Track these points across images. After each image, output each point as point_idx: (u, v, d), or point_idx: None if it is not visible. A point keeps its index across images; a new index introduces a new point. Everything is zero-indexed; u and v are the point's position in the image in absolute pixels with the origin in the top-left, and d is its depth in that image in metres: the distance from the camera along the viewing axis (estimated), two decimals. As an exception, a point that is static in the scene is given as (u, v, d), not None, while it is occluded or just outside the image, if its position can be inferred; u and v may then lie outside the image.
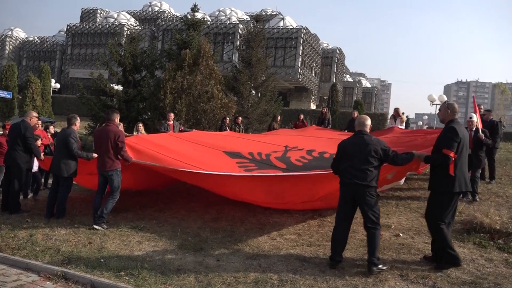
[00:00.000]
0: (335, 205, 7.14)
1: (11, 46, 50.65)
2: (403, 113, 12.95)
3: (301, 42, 37.22)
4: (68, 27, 47.16)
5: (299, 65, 37.00)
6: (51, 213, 6.66)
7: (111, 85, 16.94)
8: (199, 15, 19.60)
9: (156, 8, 51.17)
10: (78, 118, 7.03)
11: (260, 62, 18.73)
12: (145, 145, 7.49)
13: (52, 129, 9.72)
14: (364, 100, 48.19)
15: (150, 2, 52.81)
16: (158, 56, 18.59)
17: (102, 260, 4.75)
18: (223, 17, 43.01)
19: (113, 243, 5.41)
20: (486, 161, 8.54)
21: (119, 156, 6.23)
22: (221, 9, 46.58)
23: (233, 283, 4.25)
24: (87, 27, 46.59)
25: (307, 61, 39.30)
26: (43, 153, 7.88)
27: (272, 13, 46.50)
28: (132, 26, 44.14)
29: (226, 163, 7.72)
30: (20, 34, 53.45)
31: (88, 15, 53.09)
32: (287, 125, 17.91)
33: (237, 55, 29.60)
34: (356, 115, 14.35)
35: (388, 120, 17.41)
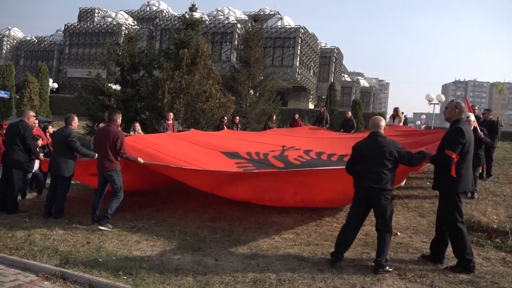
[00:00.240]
0: (334, 205, 7.22)
1: (8, 46, 50.51)
2: (402, 113, 13.01)
3: (299, 42, 37.22)
4: (66, 27, 47.03)
5: (297, 65, 37.00)
6: (49, 213, 6.65)
7: (109, 84, 16.89)
8: (197, 15, 19.57)
9: (154, 8, 51.07)
10: (76, 117, 7.02)
11: (258, 61, 18.72)
12: (144, 144, 7.49)
13: (51, 129, 9.70)
14: (362, 99, 48.19)
15: (148, 2, 52.72)
16: (156, 56, 18.57)
17: (100, 260, 4.75)
18: (221, 17, 42.97)
19: (111, 243, 5.41)
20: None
21: (118, 157, 6.19)
22: (219, 8, 46.55)
23: (231, 282, 4.25)
24: (85, 26, 46.47)
25: (305, 61, 39.30)
26: (42, 154, 7.86)
27: (270, 13, 46.50)
28: (130, 26, 44.05)
29: (224, 163, 7.73)
30: (17, 33, 53.30)
31: (86, 14, 52.98)
32: (285, 125, 17.92)
33: (235, 54, 29.56)
34: (349, 115, 14.41)
35: (387, 120, 17.44)
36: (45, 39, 50.05)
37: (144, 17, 49.84)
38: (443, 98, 27.75)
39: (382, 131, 4.75)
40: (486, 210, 6.29)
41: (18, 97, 24.23)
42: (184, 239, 5.64)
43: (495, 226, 5.78)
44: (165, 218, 6.75)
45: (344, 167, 5.75)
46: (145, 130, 12.33)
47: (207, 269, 4.58)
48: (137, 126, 10.47)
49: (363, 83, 62.95)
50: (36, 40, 50.21)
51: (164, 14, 46.86)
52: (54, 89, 36.39)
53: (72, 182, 9.92)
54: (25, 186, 8.11)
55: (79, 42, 46.22)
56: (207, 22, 35.70)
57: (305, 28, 38.63)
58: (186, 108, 13.28)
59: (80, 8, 53.56)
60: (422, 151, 4.81)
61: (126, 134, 9.21)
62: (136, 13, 50.85)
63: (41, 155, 7.70)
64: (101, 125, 9.46)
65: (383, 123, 4.82)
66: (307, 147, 8.83)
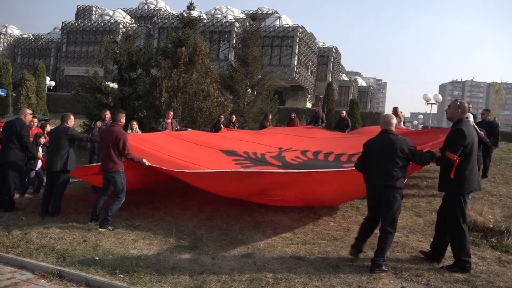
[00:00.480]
0: (332, 203, 7.24)
1: (5, 43, 50.28)
2: (401, 112, 13.04)
3: (297, 41, 37.21)
4: (63, 25, 46.85)
5: (295, 64, 37.00)
6: (45, 211, 6.63)
7: (107, 83, 16.84)
8: (195, 13, 19.51)
9: (152, 6, 50.93)
10: (72, 116, 7.00)
11: (256, 60, 18.69)
12: (143, 144, 7.50)
13: (49, 127, 9.68)
14: (360, 99, 48.25)
15: (146, 0, 52.58)
16: (154, 54, 18.51)
17: (97, 258, 4.75)
18: (219, 16, 42.90)
19: (108, 241, 5.41)
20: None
21: (123, 158, 6.13)
22: (217, 7, 46.48)
23: (228, 281, 4.25)
24: (83, 24, 46.33)
25: (303, 60, 39.31)
26: (41, 153, 7.85)
27: (268, 12, 46.44)
28: (127, 24, 43.92)
29: (222, 160, 7.77)
30: (14, 31, 53.04)
31: (83, 12, 52.78)
32: (283, 124, 17.94)
33: (233, 53, 29.55)
34: (344, 114, 14.46)
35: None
36: (43, 37, 49.86)
37: (142, 16, 49.70)
38: (440, 98, 27.82)
39: (393, 128, 4.74)
40: (482, 209, 6.32)
41: (15, 95, 24.14)
42: (181, 237, 5.64)
43: (491, 226, 5.81)
44: (162, 216, 6.75)
45: (339, 169, 5.79)
46: (143, 128, 12.30)
47: (204, 267, 4.58)
48: (135, 124, 10.45)
49: (361, 82, 63.01)
50: (33, 38, 50.01)
51: (162, 13, 46.75)
52: (51, 87, 36.21)
53: (71, 180, 9.95)
54: (23, 183, 8.09)
55: (77, 40, 46.07)
56: (205, 20, 35.64)
57: (303, 27, 38.62)
58: (184, 106, 13.27)
59: (77, 6, 53.33)
60: (430, 151, 4.82)
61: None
62: (133, 11, 50.71)
63: (40, 153, 7.68)
64: (98, 123, 9.45)
65: (394, 120, 4.80)
66: (304, 147, 8.85)
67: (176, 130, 10.71)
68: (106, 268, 4.48)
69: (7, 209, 6.83)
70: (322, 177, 5.93)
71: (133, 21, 46.87)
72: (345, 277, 4.36)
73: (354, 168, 5.46)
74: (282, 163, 7.93)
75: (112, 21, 45.13)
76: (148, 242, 5.46)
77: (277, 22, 39.58)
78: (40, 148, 7.90)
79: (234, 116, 13.40)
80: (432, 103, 27.39)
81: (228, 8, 46.33)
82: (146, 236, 5.67)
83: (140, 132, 10.55)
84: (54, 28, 52.82)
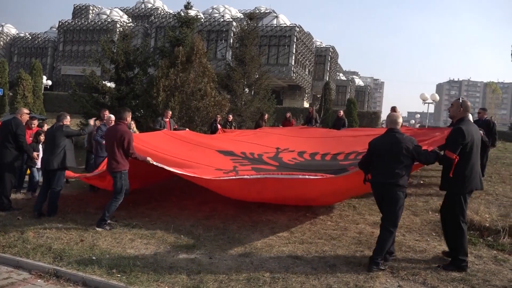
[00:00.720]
0: (329, 202, 7.25)
1: (1, 42, 49.99)
2: (399, 112, 13.05)
3: (295, 40, 37.21)
4: (60, 24, 46.66)
5: (293, 63, 37.00)
6: (39, 211, 6.54)
7: (104, 82, 16.82)
8: (192, 13, 19.49)
9: (149, 5, 50.82)
10: (68, 116, 6.99)
11: (253, 60, 18.70)
12: (142, 144, 7.51)
13: (46, 127, 9.68)
14: (357, 98, 48.32)
15: (143, -1, 52.48)
16: (151, 53, 18.49)
17: (94, 258, 4.74)
18: (216, 15, 42.83)
19: (105, 241, 5.40)
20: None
21: (128, 156, 6.05)
22: (214, 6, 46.41)
23: (225, 280, 4.26)
24: (79, 23, 46.15)
25: (300, 59, 39.32)
26: (37, 153, 7.84)
27: (266, 11, 46.41)
28: (124, 23, 43.81)
29: (220, 160, 7.77)
30: (11, 30, 52.78)
31: (80, 11, 52.60)
32: (280, 123, 17.95)
33: (230, 53, 29.50)
34: (341, 114, 14.48)
35: (385, 119, 17.55)
36: (39, 36, 49.64)
37: (139, 15, 49.59)
38: (437, 97, 27.91)
39: (399, 127, 4.77)
40: (478, 208, 6.35)
41: (11, 94, 24.04)
42: (178, 237, 5.64)
43: (487, 225, 5.84)
44: (160, 216, 6.74)
45: (334, 175, 5.82)
46: (140, 128, 12.30)
47: (201, 267, 4.58)
48: (132, 124, 10.44)
49: (358, 82, 63.03)
50: (30, 37, 49.79)
51: (159, 12, 46.66)
52: (48, 87, 36.10)
53: (71, 180, 9.92)
54: (20, 183, 8.12)
55: (74, 39, 45.89)
56: (202, 20, 35.60)
57: (301, 27, 38.62)
58: (181, 106, 13.26)
59: (74, 5, 53.15)
60: (434, 150, 4.85)
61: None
62: (131, 10, 50.59)
63: (35, 154, 7.67)
64: (97, 122, 9.42)
65: (400, 119, 4.82)
66: (301, 148, 8.88)
67: (174, 129, 10.71)
68: (103, 268, 4.47)
69: (3, 209, 6.81)
70: (324, 183, 5.99)
71: (130, 20, 46.75)
72: (342, 276, 4.37)
73: (349, 172, 5.51)
74: (280, 164, 7.94)
75: (109, 20, 44.98)
76: (146, 241, 5.45)
77: (275, 22, 39.55)
78: (40, 146, 7.91)
79: (230, 116, 13.40)
80: (429, 103, 27.46)
81: (225, 7, 46.28)
82: (144, 236, 5.66)
83: (137, 132, 10.55)
84: (51, 27, 52.61)
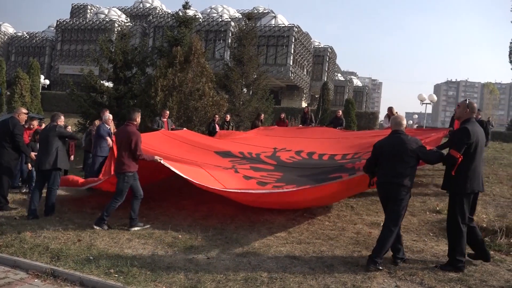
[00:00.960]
0: (327, 203, 7.26)
1: (-1, 42, 49.91)
2: (396, 112, 13.11)
3: (293, 41, 37.22)
4: (58, 23, 46.53)
5: (291, 64, 37.01)
6: (35, 215, 6.45)
7: (102, 81, 16.79)
8: (190, 12, 19.52)
9: (148, 5, 50.74)
10: (62, 116, 6.95)
11: (251, 60, 18.70)
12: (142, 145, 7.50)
13: (44, 126, 9.68)
14: (355, 99, 48.32)
15: (141, -1, 52.39)
16: (149, 53, 18.49)
17: (91, 258, 4.73)
18: (214, 15, 42.81)
19: (103, 241, 5.39)
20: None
21: (135, 158, 5.98)
22: (213, 6, 46.39)
23: (223, 280, 4.26)
24: (77, 23, 46.04)
25: (298, 60, 39.33)
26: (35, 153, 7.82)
27: (264, 11, 46.41)
28: (123, 23, 43.75)
29: (218, 161, 7.78)
30: (8, 29, 52.61)
31: (78, 10, 52.47)
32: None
33: (228, 52, 29.50)
34: (340, 114, 14.51)
35: (382, 119, 17.61)
36: (37, 35, 49.51)
37: (137, 14, 49.52)
38: (435, 98, 27.97)
39: (403, 129, 4.86)
40: (475, 209, 6.34)
41: (9, 93, 23.96)
42: (176, 237, 5.63)
43: (485, 225, 5.85)
44: (157, 216, 6.74)
45: (330, 181, 5.89)
46: (138, 127, 12.26)
47: (198, 267, 4.58)
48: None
49: (356, 82, 63.10)
50: (28, 36, 49.64)
51: (157, 11, 46.60)
52: (46, 86, 36.02)
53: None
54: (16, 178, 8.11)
55: (71, 39, 45.78)
56: (200, 19, 35.58)
57: (299, 27, 38.64)
58: (179, 106, 13.25)
59: (72, 4, 53.01)
60: (439, 151, 4.94)
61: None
62: (129, 10, 50.51)
63: (33, 154, 7.65)
64: (96, 122, 9.41)
65: (404, 121, 4.96)
66: (298, 148, 8.91)
67: (172, 129, 10.70)
68: (100, 268, 4.47)
69: (0, 209, 6.79)
70: (323, 190, 6.06)
71: (128, 19, 46.67)
72: (339, 276, 4.38)
73: (343, 179, 5.73)
74: (277, 162, 7.98)
75: (107, 19, 44.90)
76: (143, 241, 5.45)
77: (273, 22, 39.56)
78: (38, 145, 7.90)
79: (228, 116, 13.40)
80: (427, 103, 27.53)
81: (223, 7, 46.26)
82: (141, 236, 5.66)
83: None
84: (49, 26, 52.46)
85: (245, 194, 6.10)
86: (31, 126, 8.19)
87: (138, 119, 6.26)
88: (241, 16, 40.85)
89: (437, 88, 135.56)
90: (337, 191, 6.31)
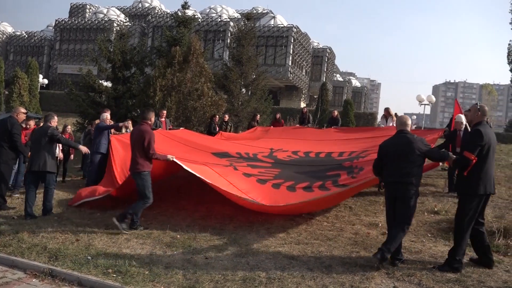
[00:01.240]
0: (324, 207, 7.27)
1: (-3, 41, 49.83)
2: (395, 114, 13.18)
3: (292, 41, 37.26)
4: (57, 22, 46.51)
5: (290, 64, 37.06)
6: (32, 215, 6.44)
7: (100, 81, 16.78)
8: (189, 12, 19.49)
9: (146, 5, 50.73)
10: (56, 116, 6.90)
11: (250, 60, 18.70)
12: None
13: None
14: (354, 99, 48.39)
15: (140, -2, 52.35)
16: (148, 53, 18.47)
17: (89, 258, 4.73)
18: (214, 15, 42.82)
19: (101, 241, 5.38)
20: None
21: (149, 157, 5.93)
22: (212, 6, 46.39)
23: (221, 280, 4.25)
24: (76, 22, 46.01)
25: (297, 60, 39.37)
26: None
27: (263, 12, 46.46)
28: (122, 22, 43.74)
29: (216, 161, 7.78)
30: (7, 28, 52.56)
31: (77, 10, 52.43)
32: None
33: (227, 53, 29.54)
34: (336, 113, 14.54)
35: (379, 120, 17.63)
36: (36, 34, 49.46)
37: (136, 14, 49.51)
38: (434, 98, 27.94)
39: (409, 129, 4.94)
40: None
41: (7, 92, 23.92)
42: (174, 237, 5.63)
43: (482, 226, 5.85)
44: (156, 216, 6.73)
45: (331, 190, 5.95)
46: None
47: (197, 267, 4.58)
48: (129, 123, 10.43)
49: (355, 83, 63.26)
50: (26, 35, 49.58)
51: (156, 11, 46.60)
52: (44, 85, 35.93)
53: (66, 179, 9.89)
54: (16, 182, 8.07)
55: (70, 38, 45.74)
56: (199, 19, 35.59)
57: (298, 27, 38.68)
58: (178, 106, 13.24)
59: (71, 3, 52.98)
60: (445, 151, 5.11)
61: (117, 132, 9.18)
62: (128, 9, 50.49)
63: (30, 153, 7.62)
64: (97, 121, 9.41)
65: (409, 121, 5.02)
66: (295, 148, 8.97)
67: (169, 129, 10.69)
68: (98, 268, 4.46)
69: (-2, 208, 6.78)
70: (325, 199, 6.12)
71: (127, 19, 46.66)
72: (338, 277, 4.38)
73: (348, 187, 5.90)
74: (275, 160, 8.02)
75: (106, 19, 44.88)
76: (141, 241, 5.44)
77: (272, 22, 39.60)
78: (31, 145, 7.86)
79: (226, 116, 13.41)
80: (425, 104, 27.48)
81: (222, 8, 46.27)
82: (139, 236, 5.65)
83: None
84: (47, 26, 52.41)
85: (259, 206, 6.11)
86: (28, 126, 8.16)
87: (153, 118, 6.22)
88: (240, 16, 40.81)
89: (436, 89, 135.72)
90: (339, 197, 6.40)
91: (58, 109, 27.32)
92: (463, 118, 8.10)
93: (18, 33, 50.80)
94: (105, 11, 47.57)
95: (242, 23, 21.55)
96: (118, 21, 43.84)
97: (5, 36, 50.63)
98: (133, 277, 4.27)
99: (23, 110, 7.40)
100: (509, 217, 6.29)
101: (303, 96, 42.21)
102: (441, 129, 10.62)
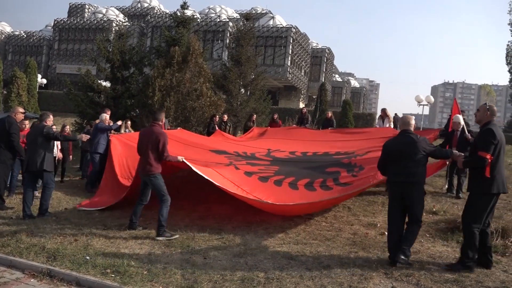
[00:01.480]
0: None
1: (-4, 40, 49.73)
2: (395, 114, 13.23)
3: (291, 41, 37.27)
4: (55, 22, 46.42)
5: (289, 64, 37.06)
6: (31, 215, 6.42)
7: (99, 81, 16.76)
8: (188, 12, 19.47)
9: (146, 5, 50.68)
10: (51, 115, 6.86)
11: (249, 60, 18.72)
12: (135, 142, 7.49)
13: None
14: (353, 100, 48.44)
15: (139, -2, 52.30)
16: (147, 53, 18.45)
17: (88, 258, 4.72)
18: (213, 15, 42.80)
19: (99, 241, 5.38)
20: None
21: (162, 159, 5.84)
22: (211, 6, 46.35)
23: (219, 280, 4.25)
24: (75, 22, 45.94)
25: (296, 60, 39.37)
26: None
27: (262, 12, 46.45)
28: (120, 22, 43.70)
29: (214, 158, 7.82)
30: (5, 28, 52.46)
31: (76, 10, 52.33)
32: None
33: (226, 53, 29.53)
34: (330, 115, 14.61)
35: (376, 121, 17.69)
36: (34, 34, 49.36)
37: (135, 14, 49.45)
38: (432, 99, 27.99)
39: (412, 129, 5.00)
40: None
41: (5, 92, 23.89)
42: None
43: (481, 226, 5.86)
44: (154, 216, 6.71)
45: (329, 196, 6.03)
46: (135, 127, 12.26)
47: (195, 267, 4.58)
48: (128, 123, 10.45)
49: (354, 83, 63.20)
50: (25, 35, 49.48)
51: (155, 11, 46.57)
52: (43, 85, 35.92)
53: (65, 179, 9.87)
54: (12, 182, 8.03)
55: (69, 38, 45.67)
56: (198, 20, 35.56)
57: (297, 28, 38.69)
58: (177, 106, 13.24)
59: (70, 3, 52.87)
60: (448, 149, 5.26)
61: (117, 132, 9.18)
62: (127, 9, 50.42)
63: None
64: (97, 121, 9.41)
65: (412, 121, 5.07)
66: (292, 149, 9.02)
67: (167, 129, 10.70)
68: (97, 268, 4.46)
69: (-3, 208, 6.77)
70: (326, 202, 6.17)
71: (126, 19, 46.60)
72: (336, 277, 4.38)
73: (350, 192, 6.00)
74: (273, 159, 8.06)
75: (105, 19, 44.82)
76: (140, 241, 5.44)
77: (271, 22, 39.59)
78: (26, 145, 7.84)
79: (225, 116, 13.41)
80: (424, 105, 27.52)
81: (222, 8, 46.23)
82: (138, 236, 5.65)
83: (132, 131, 10.53)
84: (46, 26, 52.32)
85: (262, 204, 6.12)
86: (23, 126, 8.11)
87: (164, 119, 6.10)
88: (239, 17, 40.78)
89: (434, 90, 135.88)
90: (344, 198, 6.53)
91: (56, 109, 27.27)
92: (460, 119, 8.13)
93: (17, 33, 50.70)
94: (104, 11, 47.50)
95: (241, 23, 21.56)
96: (117, 21, 43.80)
97: (3, 36, 50.52)
98: (132, 277, 4.27)
99: (21, 110, 7.38)
100: (507, 218, 6.30)
101: (302, 96, 42.21)
102: (437, 129, 10.67)
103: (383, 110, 12.70)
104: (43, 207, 6.54)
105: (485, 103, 4.95)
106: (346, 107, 25.05)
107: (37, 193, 7.92)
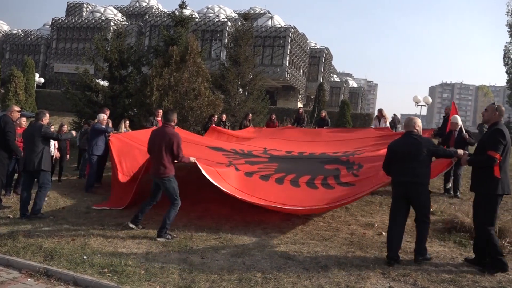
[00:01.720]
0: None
1: (-7, 39, 49.57)
2: (394, 114, 13.27)
3: (289, 41, 37.28)
4: (53, 21, 46.31)
5: (287, 64, 37.07)
6: (26, 213, 6.40)
7: (97, 80, 16.72)
8: (187, 12, 19.44)
9: (144, 4, 50.61)
10: (47, 114, 6.81)
11: (247, 60, 18.70)
12: (139, 143, 7.51)
13: None
14: (351, 100, 48.45)
15: (137, -2, 52.22)
16: (145, 52, 18.43)
17: (85, 257, 4.72)
18: (211, 15, 42.77)
19: (97, 240, 5.37)
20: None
21: (176, 161, 5.76)
22: (209, 6, 46.32)
23: (217, 280, 4.26)
24: (73, 21, 45.83)
25: (294, 60, 39.39)
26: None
27: (261, 12, 46.44)
28: (119, 21, 43.57)
29: (213, 155, 7.83)
30: (3, 26, 52.31)
31: (74, 9, 52.22)
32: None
33: (225, 53, 29.49)
34: (324, 114, 14.65)
35: (373, 121, 17.74)
36: (32, 33, 49.23)
37: (134, 13, 49.38)
38: (430, 100, 28.05)
39: (418, 130, 5.04)
40: (469, 211, 6.37)
41: (3, 91, 23.84)
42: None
43: (478, 227, 5.88)
44: (152, 216, 6.71)
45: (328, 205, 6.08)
46: (133, 127, 12.24)
47: (193, 267, 4.58)
48: (127, 122, 10.44)
49: (352, 83, 63.26)
50: (23, 34, 49.35)
51: (153, 11, 46.52)
52: (41, 84, 35.83)
53: (62, 178, 9.85)
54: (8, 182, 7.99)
55: (67, 37, 45.56)
56: (197, 19, 35.54)
57: (295, 28, 38.71)
58: (175, 105, 13.21)
59: (68, 2, 52.76)
60: (451, 149, 5.30)
61: (115, 131, 9.16)
62: (125, 8, 50.35)
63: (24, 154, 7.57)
64: (96, 120, 9.38)
65: (418, 122, 5.12)
66: (288, 149, 9.03)
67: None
68: (94, 267, 4.45)
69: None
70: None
71: (124, 18, 46.50)
72: (333, 277, 4.39)
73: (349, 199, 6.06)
74: (271, 156, 8.09)
75: (103, 18, 44.73)
76: (137, 241, 5.43)
77: (269, 22, 39.59)
78: (23, 144, 7.80)
79: (224, 115, 13.40)
80: (421, 105, 27.58)
81: (220, 7, 46.21)
82: (135, 235, 5.64)
83: (130, 131, 10.51)
84: (44, 24, 52.18)
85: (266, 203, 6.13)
86: (22, 123, 8.04)
87: (175, 120, 5.96)
88: (237, 16, 40.80)
89: (432, 90, 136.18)
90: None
91: (54, 108, 27.19)
92: (458, 119, 8.17)
93: (15, 32, 50.56)
94: (102, 10, 47.41)
95: (239, 23, 21.56)
96: (115, 20, 43.71)
97: (1, 35, 50.35)
98: (129, 276, 4.26)
99: (17, 108, 7.31)
100: (503, 218, 6.32)
101: (300, 96, 42.23)
102: (431, 129, 10.70)
103: (380, 111, 12.77)
104: (36, 206, 6.45)
105: (493, 103, 4.94)
106: (344, 107, 25.09)
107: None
